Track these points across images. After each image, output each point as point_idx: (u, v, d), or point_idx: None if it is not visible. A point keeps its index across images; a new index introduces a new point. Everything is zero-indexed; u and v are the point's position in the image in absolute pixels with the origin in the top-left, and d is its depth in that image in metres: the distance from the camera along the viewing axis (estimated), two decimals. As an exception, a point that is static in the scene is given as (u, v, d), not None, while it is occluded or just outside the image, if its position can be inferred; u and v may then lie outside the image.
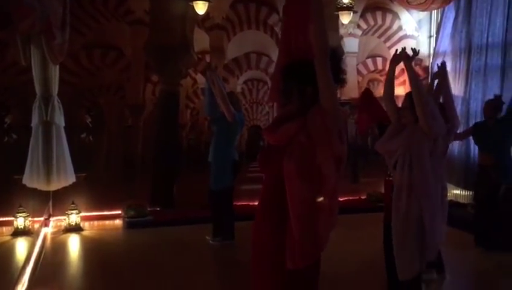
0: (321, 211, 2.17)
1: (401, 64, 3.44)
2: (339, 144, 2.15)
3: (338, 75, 2.26)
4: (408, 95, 3.37)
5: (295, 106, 2.24)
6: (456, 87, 7.29)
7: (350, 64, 9.00)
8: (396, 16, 9.03)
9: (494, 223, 5.35)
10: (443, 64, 4.29)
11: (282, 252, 2.17)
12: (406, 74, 3.53)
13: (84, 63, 7.87)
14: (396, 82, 3.67)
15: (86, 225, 6.57)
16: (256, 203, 2.45)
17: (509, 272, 4.83)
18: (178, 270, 4.80)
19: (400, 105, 3.54)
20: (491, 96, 5.85)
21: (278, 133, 2.25)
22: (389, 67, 3.50)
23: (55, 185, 5.81)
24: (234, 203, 5.84)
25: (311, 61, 2.14)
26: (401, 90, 7.09)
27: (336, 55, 2.26)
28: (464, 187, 7.23)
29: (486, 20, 7.22)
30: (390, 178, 4.86)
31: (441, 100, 4.19)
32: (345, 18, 8.05)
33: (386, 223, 3.67)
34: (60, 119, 5.79)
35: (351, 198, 7.90)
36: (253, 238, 2.38)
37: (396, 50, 3.39)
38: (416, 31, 9.07)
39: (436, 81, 4.36)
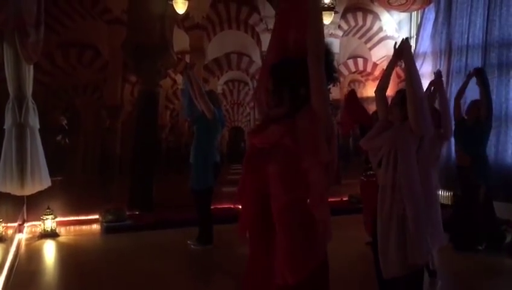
0: (313, 221, 2.07)
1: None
2: (326, 150, 2.04)
3: (331, 74, 2.18)
4: (398, 92, 3.30)
5: (285, 108, 2.13)
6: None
7: (331, 65, 9.02)
8: (376, 16, 9.06)
9: (472, 225, 5.37)
10: (438, 73, 4.29)
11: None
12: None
13: (59, 62, 7.65)
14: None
15: (62, 230, 6.42)
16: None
17: (490, 273, 4.85)
18: (158, 276, 4.68)
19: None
20: (472, 97, 5.90)
21: (264, 135, 2.15)
22: (391, 61, 3.34)
23: (29, 190, 5.66)
24: (215, 206, 5.76)
25: (303, 60, 2.04)
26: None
27: (330, 54, 2.18)
28: (443, 188, 7.26)
29: (466, 21, 7.29)
30: (363, 178, 4.89)
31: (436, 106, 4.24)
32: (327, 18, 8.04)
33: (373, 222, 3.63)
34: (34, 121, 5.65)
35: (332, 199, 7.88)
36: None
37: (395, 43, 3.25)
38: (397, 32, 9.11)
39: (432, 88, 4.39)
